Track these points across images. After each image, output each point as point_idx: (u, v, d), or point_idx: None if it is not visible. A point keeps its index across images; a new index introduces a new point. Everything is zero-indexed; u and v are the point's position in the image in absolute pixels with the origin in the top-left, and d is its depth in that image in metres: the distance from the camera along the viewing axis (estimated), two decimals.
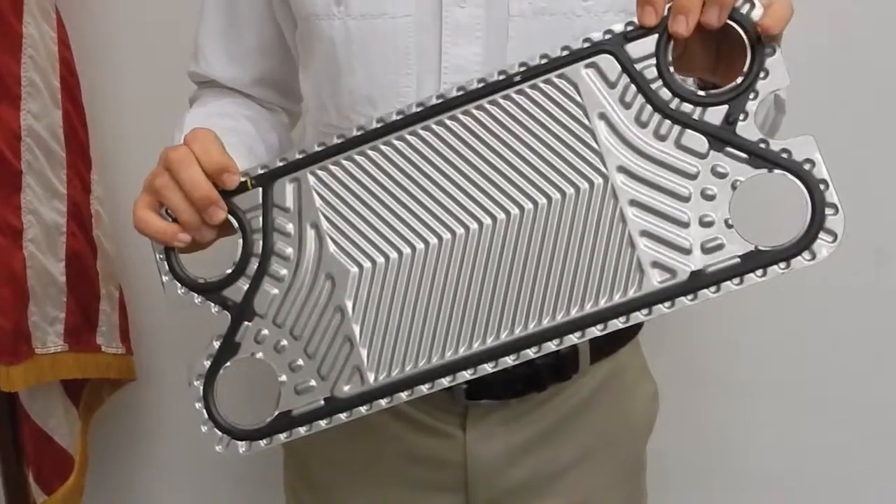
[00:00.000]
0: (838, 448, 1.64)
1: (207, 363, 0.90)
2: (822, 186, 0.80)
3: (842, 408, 1.62)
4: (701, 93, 0.83)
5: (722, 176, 0.82)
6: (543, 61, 0.85)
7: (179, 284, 0.90)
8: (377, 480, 1.14)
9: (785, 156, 0.81)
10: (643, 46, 0.83)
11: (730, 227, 0.82)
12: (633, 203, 0.84)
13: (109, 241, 1.59)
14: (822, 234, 0.80)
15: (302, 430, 0.88)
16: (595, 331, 0.84)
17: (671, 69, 0.83)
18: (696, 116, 0.83)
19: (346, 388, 0.87)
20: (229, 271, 0.90)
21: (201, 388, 0.89)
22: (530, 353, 0.85)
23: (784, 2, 0.81)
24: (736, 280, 0.81)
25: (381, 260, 0.88)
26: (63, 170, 1.50)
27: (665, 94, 0.83)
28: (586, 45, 0.85)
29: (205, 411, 0.89)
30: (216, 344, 0.90)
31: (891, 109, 1.51)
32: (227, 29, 1.16)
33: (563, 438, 1.12)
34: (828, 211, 0.80)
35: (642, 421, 1.22)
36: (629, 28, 0.84)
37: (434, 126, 0.87)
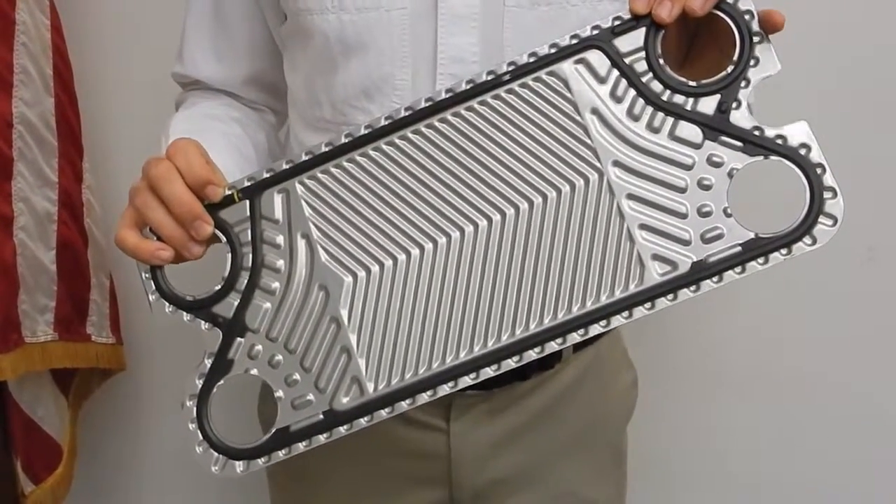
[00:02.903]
0: (831, 449, 1.63)
1: (200, 382, 0.86)
2: (818, 170, 0.79)
3: (833, 407, 1.61)
4: (692, 83, 0.81)
5: (718, 165, 0.80)
6: (532, 59, 0.83)
7: (167, 303, 0.86)
8: (360, 472, 1.12)
9: (780, 142, 0.79)
10: (632, 40, 0.82)
11: (728, 215, 0.80)
12: (630, 197, 0.81)
13: (101, 230, 1.56)
14: (821, 218, 0.78)
15: (301, 445, 0.84)
16: (598, 327, 0.81)
17: (661, 61, 0.81)
18: (688, 107, 0.81)
19: (345, 399, 0.84)
20: (218, 287, 0.86)
21: (195, 408, 0.85)
22: (533, 353, 0.82)
23: None
24: (738, 268, 0.79)
25: (375, 268, 0.85)
26: (55, 158, 1.47)
27: (656, 86, 0.81)
28: (574, 41, 0.82)
29: (199, 432, 0.85)
30: (208, 362, 0.86)
31: (881, 107, 1.50)
32: (215, 28, 1.12)
33: (546, 428, 1.11)
34: (826, 195, 0.79)
35: (623, 408, 1.21)
36: (616, 22, 0.82)
37: (424, 129, 0.84)
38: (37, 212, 1.45)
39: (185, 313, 0.87)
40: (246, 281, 0.86)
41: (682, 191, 0.81)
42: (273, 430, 0.85)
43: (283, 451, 0.85)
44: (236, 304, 0.86)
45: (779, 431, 1.64)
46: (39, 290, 1.46)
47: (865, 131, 1.50)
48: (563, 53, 0.83)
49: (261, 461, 0.85)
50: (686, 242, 0.81)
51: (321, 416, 0.85)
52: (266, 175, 0.86)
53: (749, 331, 1.61)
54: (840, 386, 1.61)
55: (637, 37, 0.82)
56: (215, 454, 0.86)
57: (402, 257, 0.85)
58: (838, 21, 1.48)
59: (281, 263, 0.86)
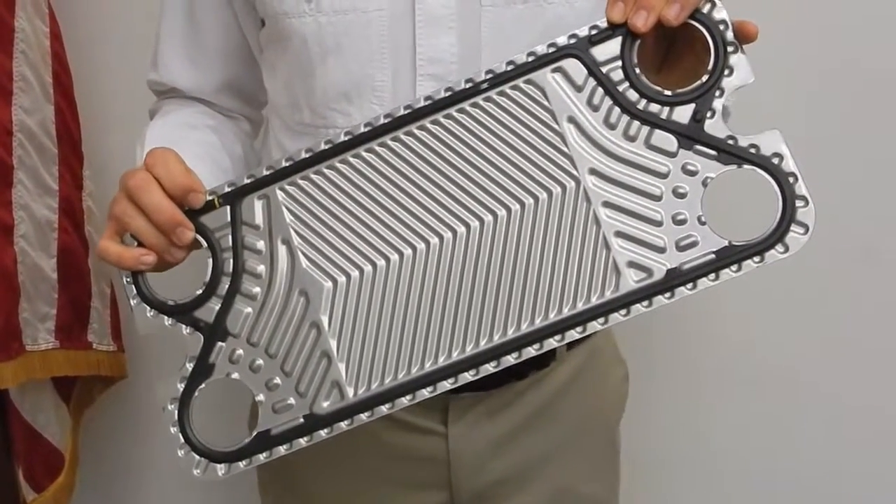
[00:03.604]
0: (823, 445, 1.64)
1: (181, 386, 0.86)
2: (791, 179, 0.79)
3: (828, 408, 1.61)
4: (667, 92, 0.81)
5: (692, 174, 0.81)
6: (510, 67, 0.83)
7: (148, 307, 0.87)
8: (359, 480, 1.12)
9: (753, 151, 0.80)
10: (608, 49, 0.82)
11: (703, 223, 0.81)
12: (606, 204, 0.82)
13: (101, 237, 1.57)
14: (793, 227, 0.79)
15: (282, 449, 0.85)
16: (574, 333, 0.82)
17: (637, 70, 0.82)
18: (664, 116, 0.81)
19: (326, 404, 0.85)
20: (200, 291, 0.87)
21: (176, 411, 0.86)
22: (510, 359, 0.83)
23: None
24: (711, 276, 0.80)
25: (355, 273, 0.85)
26: (55, 166, 1.47)
27: (632, 95, 0.82)
28: (551, 49, 0.83)
29: (181, 435, 0.86)
30: (189, 366, 0.87)
31: (878, 109, 1.49)
32: (189, 35, 1.12)
33: (543, 426, 1.11)
34: (798, 203, 0.79)
35: (616, 403, 1.22)
36: (593, 31, 0.82)
37: (403, 136, 0.85)
38: (37, 219, 1.45)
39: (166, 317, 0.87)
40: (227, 286, 0.87)
41: (658, 199, 0.82)
42: (254, 434, 0.86)
43: (264, 454, 0.86)
44: (217, 308, 0.87)
45: (770, 428, 1.64)
46: (40, 297, 1.46)
47: (862, 132, 1.50)
48: (540, 62, 0.83)
49: (242, 464, 0.86)
50: (661, 250, 0.81)
51: (302, 420, 0.85)
52: (247, 181, 0.87)
53: (740, 327, 1.61)
54: (832, 383, 1.61)
55: (613, 46, 0.82)
56: (197, 457, 0.86)
57: (381, 263, 0.85)
58: (835, 15, 1.47)
59: (262, 269, 0.87)
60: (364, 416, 0.84)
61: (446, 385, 0.84)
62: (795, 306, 1.57)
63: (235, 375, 0.87)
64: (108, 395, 1.65)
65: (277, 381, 0.86)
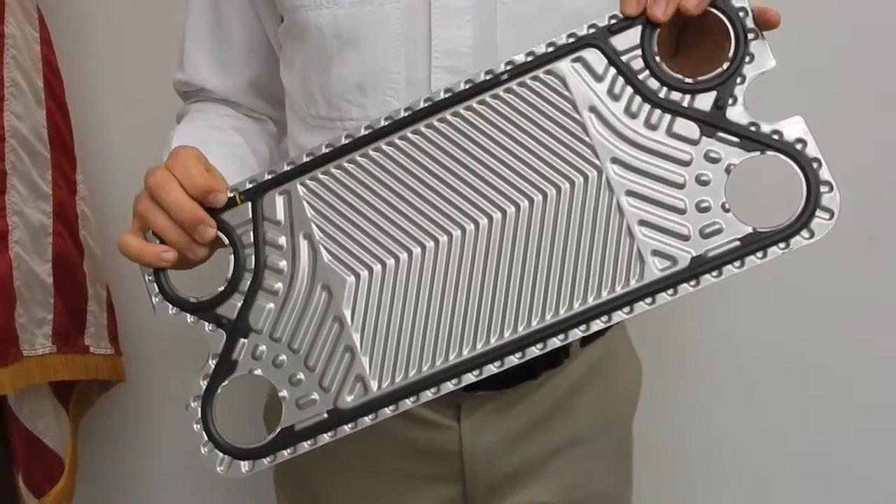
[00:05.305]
0: (819, 437, 1.63)
1: (204, 383, 0.85)
2: (814, 165, 0.79)
3: (826, 398, 1.61)
4: (689, 80, 0.81)
5: (715, 161, 0.80)
6: (530, 58, 0.82)
7: (171, 305, 0.86)
8: (372, 475, 1.11)
9: (776, 137, 0.79)
10: (628, 38, 0.82)
11: (727, 210, 0.80)
12: (629, 193, 0.81)
13: (96, 241, 1.55)
14: (818, 212, 0.78)
15: (306, 444, 0.84)
16: (599, 323, 0.81)
17: (657, 59, 0.81)
18: (685, 104, 0.81)
19: (350, 398, 0.84)
20: (222, 288, 0.86)
21: (199, 409, 0.85)
22: (535, 350, 0.82)
23: None
24: (737, 263, 0.79)
25: (377, 267, 0.84)
26: (48, 170, 1.46)
27: (653, 83, 0.81)
28: (571, 39, 0.82)
29: (204, 433, 0.85)
30: (212, 363, 0.86)
31: (881, 97, 1.50)
32: (214, 33, 1.12)
33: (556, 422, 1.10)
34: (822, 189, 0.79)
35: (629, 399, 1.21)
36: (612, 21, 0.82)
37: (423, 129, 0.84)
38: (32, 225, 1.44)
39: (188, 315, 0.86)
40: (249, 282, 0.86)
41: (681, 187, 0.81)
42: (278, 430, 0.85)
43: (288, 451, 0.84)
44: (239, 305, 0.86)
45: (780, 423, 1.64)
46: (36, 303, 1.45)
47: (865, 119, 1.49)
48: (560, 52, 0.83)
49: (266, 461, 0.85)
50: (685, 238, 0.81)
51: (325, 415, 0.84)
52: (267, 177, 0.86)
53: (749, 323, 1.60)
54: (841, 377, 1.60)
55: (633, 35, 0.82)
56: (220, 454, 0.85)
57: (403, 256, 0.84)
58: (832, 13, 1.48)
59: (283, 264, 0.86)
60: (388, 410, 0.84)
61: (470, 377, 0.83)
62: (804, 300, 1.57)
63: (258, 372, 0.86)
64: (106, 398, 1.64)
65: (301, 376, 0.85)
